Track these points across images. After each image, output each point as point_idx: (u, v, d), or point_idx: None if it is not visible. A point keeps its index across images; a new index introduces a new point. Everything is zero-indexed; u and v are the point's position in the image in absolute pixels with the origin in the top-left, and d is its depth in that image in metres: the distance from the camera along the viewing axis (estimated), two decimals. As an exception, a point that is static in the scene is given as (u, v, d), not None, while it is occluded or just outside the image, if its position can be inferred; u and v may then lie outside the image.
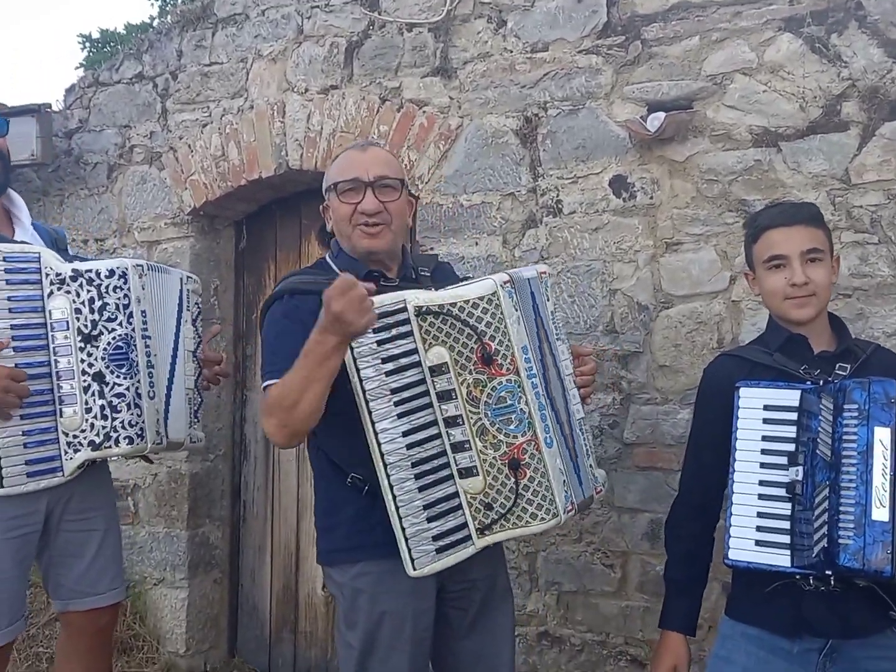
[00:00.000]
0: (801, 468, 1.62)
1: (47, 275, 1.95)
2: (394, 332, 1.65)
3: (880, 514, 1.57)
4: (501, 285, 1.68)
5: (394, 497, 1.64)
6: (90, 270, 1.99)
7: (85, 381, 1.96)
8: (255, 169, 3.17)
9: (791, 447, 1.64)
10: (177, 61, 3.36)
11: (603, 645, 2.57)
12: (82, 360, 1.96)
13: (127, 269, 2.03)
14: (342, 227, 1.84)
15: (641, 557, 2.54)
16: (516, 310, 1.69)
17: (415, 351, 1.65)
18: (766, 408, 1.69)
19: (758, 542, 1.65)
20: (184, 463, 3.24)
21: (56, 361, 1.95)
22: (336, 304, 1.50)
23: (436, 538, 1.66)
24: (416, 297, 1.65)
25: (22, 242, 2.04)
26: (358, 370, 1.63)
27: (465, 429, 1.66)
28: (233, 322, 3.44)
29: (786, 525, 1.62)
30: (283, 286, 1.83)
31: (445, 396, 1.66)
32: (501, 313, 1.65)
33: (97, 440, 1.97)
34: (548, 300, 1.83)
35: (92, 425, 1.97)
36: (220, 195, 3.23)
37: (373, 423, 1.63)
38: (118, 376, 1.99)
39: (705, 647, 2.39)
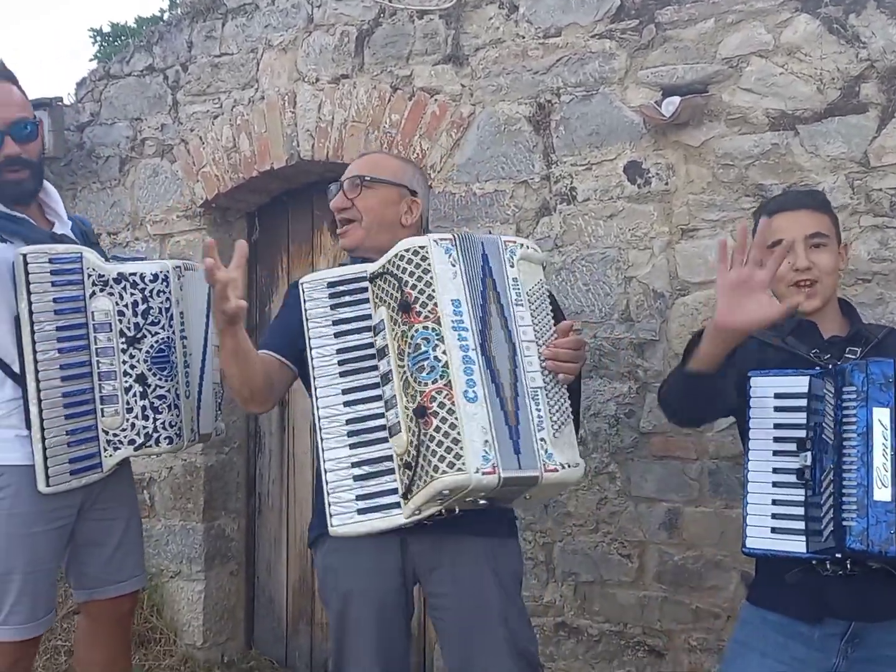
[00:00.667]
0: (810, 453, 1.61)
1: (89, 275, 1.96)
2: (346, 298, 1.70)
3: (882, 494, 1.55)
4: (436, 241, 1.68)
5: (322, 450, 1.64)
6: (135, 274, 2.00)
7: (127, 382, 1.98)
8: (266, 160, 3.18)
9: (802, 433, 1.63)
10: (187, 52, 3.37)
11: (620, 635, 2.56)
12: (124, 362, 1.98)
13: (169, 272, 2.05)
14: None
15: (659, 547, 2.53)
16: (453, 265, 1.66)
17: (369, 316, 1.69)
18: (776, 396, 1.67)
19: (773, 530, 1.63)
20: (199, 456, 3.26)
21: (98, 363, 1.97)
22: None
23: (359, 497, 1.62)
24: (373, 265, 1.71)
25: (62, 236, 2.06)
26: (308, 329, 1.68)
27: (393, 384, 1.63)
28: (245, 314, 3.46)
29: (800, 511, 1.61)
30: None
31: (381, 354, 1.66)
32: (428, 264, 1.64)
33: (138, 440, 2.00)
34: (512, 266, 1.73)
35: (133, 425, 1.99)
36: (231, 187, 3.24)
37: (314, 379, 1.66)
38: (160, 378, 2.02)
39: (724, 637, 2.38)
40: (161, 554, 3.34)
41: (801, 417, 1.63)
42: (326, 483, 1.64)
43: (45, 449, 1.91)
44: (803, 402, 1.63)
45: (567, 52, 2.67)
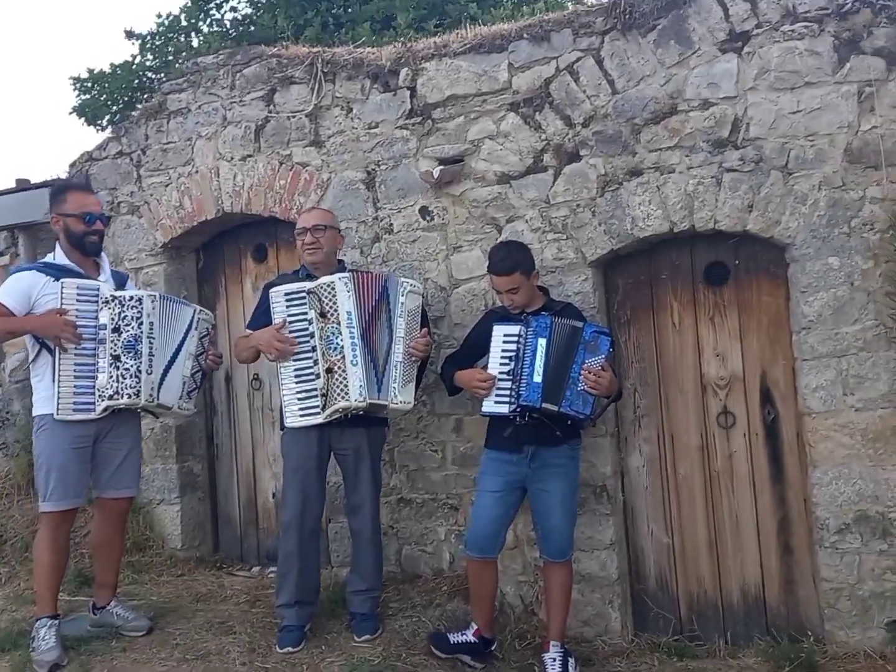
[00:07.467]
0: (513, 363, 3.55)
1: (101, 297, 3.76)
2: (295, 302, 3.70)
3: (537, 378, 3.50)
4: (339, 278, 3.65)
5: (282, 385, 3.72)
6: (122, 295, 3.77)
7: (111, 360, 3.73)
8: (202, 213, 5.02)
9: (513, 352, 3.56)
10: (144, 142, 5.21)
11: (434, 500, 4.39)
12: (111, 347, 3.73)
13: (142, 297, 3.80)
14: (300, 251, 3.93)
15: (453, 444, 4.35)
16: (348, 291, 3.65)
17: (307, 313, 3.66)
18: (504, 335, 3.60)
19: (496, 402, 3.60)
20: (170, 420, 5.09)
21: (98, 347, 3.73)
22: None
23: (300, 409, 3.68)
24: (310, 284, 3.69)
25: (97, 280, 3.82)
26: (274, 318, 3.73)
27: (317, 354, 3.65)
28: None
29: (507, 390, 3.54)
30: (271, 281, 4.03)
31: (311, 336, 3.66)
32: (334, 291, 3.62)
33: (110, 394, 3.76)
34: (402, 296, 3.76)
35: (111, 386, 3.75)
36: (180, 233, 5.09)
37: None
38: (128, 358, 3.76)
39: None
40: (150, 489, 5.15)
41: (514, 345, 3.57)
42: (284, 403, 3.70)
43: (59, 395, 3.67)
44: (515, 337, 3.58)
45: (382, 138, 4.50)
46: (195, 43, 10.05)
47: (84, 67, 11.75)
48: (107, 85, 10.17)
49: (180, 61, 8.41)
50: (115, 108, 10.02)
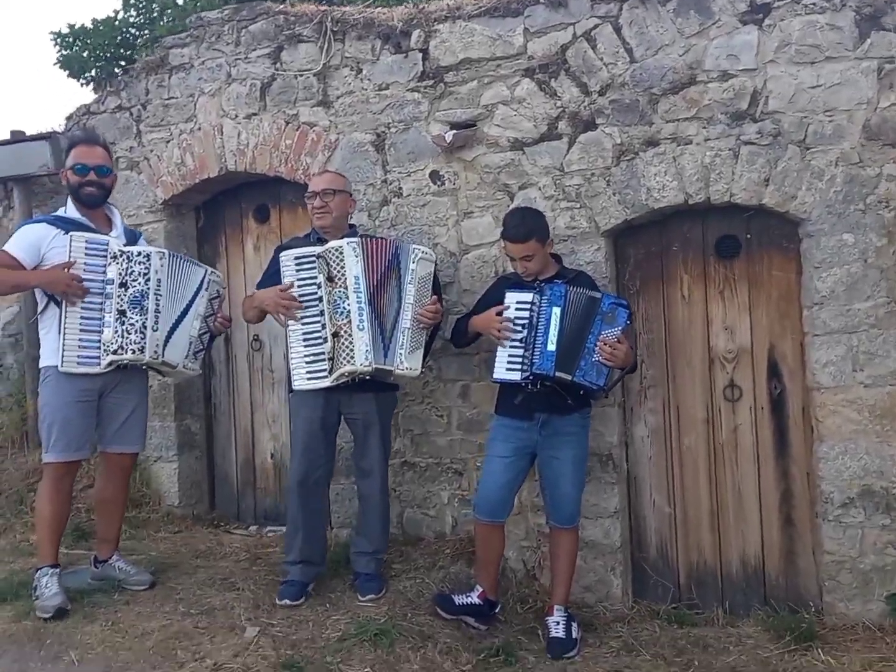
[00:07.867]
0: (526, 330, 3.50)
1: (109, 252, 3.64)
2: (304, 265, 3.59)
3: (551, 346, 3.44)
4: (347, 243, 3.56)
5: (290, 347, 3.61)
6: (130, 251, 3.66)
7: (116, 315, 3.63)
8: (205, 171, 4.89)
9: (526, 320, 3.51)
10: (145, 96, 5.05)
11: (438, 465, 4.35)
12: (117, 302, 3.62)
13: (151, 252, 3.71)
14: (311, 215, 3.84)
15: (459, 409, 4.31)
16: (356, 256, 3.56)
17: (316, 275, 3.58)
18: (517, 302, 3.54)
19: (508, 369, 3.54)
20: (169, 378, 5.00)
21: (105, 302, 3.63)
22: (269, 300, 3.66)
23: (308, 372, 3.59)
24: (320, 249, 3.59)
25: (108, 236, 3.71)
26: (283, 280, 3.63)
27: (325, 317, 3.57)
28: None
29: (519, 357, 3.49)
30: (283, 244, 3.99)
31: (320, 300, 3.58)
32: (342, 255, 3.53)
33: (115, 349, 3.66)
34: (413, 262, 3.67)
35: (115, 340, 3.66)
36: (181, 190, 4.95)
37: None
38: (134, 314, 3.65)
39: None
40: (148, 446, 5.02)
41: (527, 311, 3.51)
42: (292, 366, 3.59)
43: (64, 348, 3.57)
44: (528, 305, 3.51)
45: (392, 100, 4.39)
46: (180, 0, 9.78)
47: (64, 22, 11.33)
48: (89, 41, 9.87)
49: (166, 19, 8.19)
50: (98, 64, 9.75)
